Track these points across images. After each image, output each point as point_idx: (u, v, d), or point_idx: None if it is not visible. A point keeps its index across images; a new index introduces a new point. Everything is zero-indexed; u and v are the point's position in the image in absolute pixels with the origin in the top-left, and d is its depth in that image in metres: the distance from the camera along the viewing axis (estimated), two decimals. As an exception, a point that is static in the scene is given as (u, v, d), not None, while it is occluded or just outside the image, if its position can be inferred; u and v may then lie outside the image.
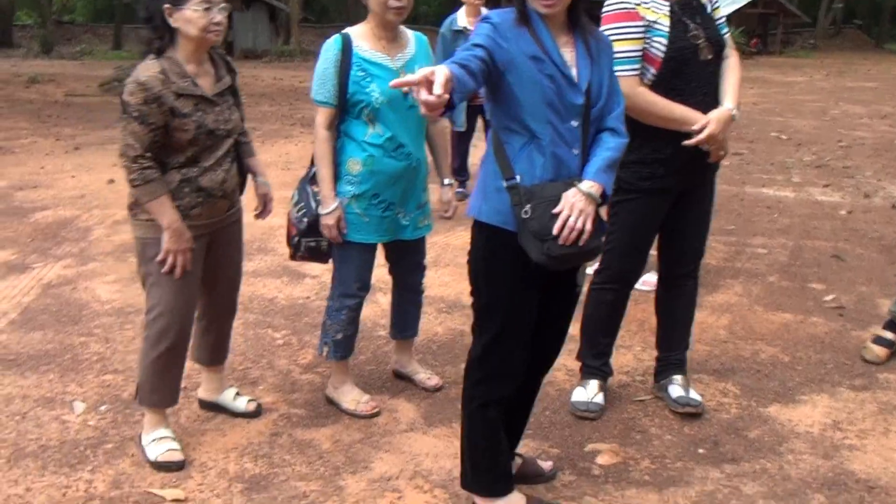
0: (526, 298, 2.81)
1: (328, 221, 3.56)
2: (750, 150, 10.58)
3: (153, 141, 3.09)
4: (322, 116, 3.57)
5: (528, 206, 2.64)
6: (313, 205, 3.60)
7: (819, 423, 3.80)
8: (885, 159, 10.22)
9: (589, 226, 2.65)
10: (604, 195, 2.72)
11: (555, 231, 2.62)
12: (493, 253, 2.80)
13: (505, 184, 2.70)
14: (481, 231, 2.82)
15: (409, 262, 3.93)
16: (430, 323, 4.82)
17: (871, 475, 3.39)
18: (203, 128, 3.18)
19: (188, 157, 3.21)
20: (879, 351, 4.42)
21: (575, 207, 2.63)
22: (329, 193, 3.56)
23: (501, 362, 2.86)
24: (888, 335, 4.46)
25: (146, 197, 3.12)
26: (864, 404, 3.98)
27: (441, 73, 2.26)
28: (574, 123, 2.71)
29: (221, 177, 3.31)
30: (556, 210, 2.63)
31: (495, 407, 2.91)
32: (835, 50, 32.35)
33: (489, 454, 2.98)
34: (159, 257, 3.19)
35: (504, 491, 3.02)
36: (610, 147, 2.76)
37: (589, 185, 2.67)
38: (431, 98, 2.22)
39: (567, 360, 4.14)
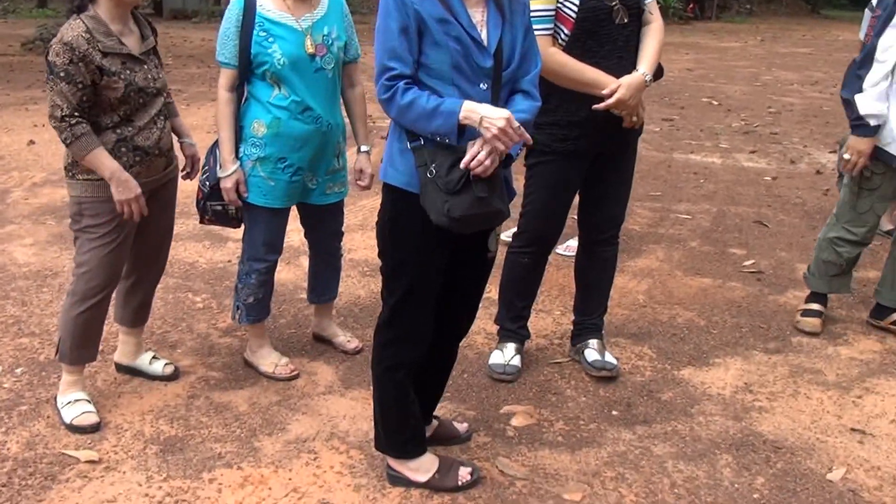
0: (432, 261, 2.80)
1: (226, 184, 3.52)
2: (681, 116, 10.68)
3: (81, 100, 3.05)
4: (223, 78, 3.52)
5: (433, 166, 2.61)
6: (217, 168, 3.57)
7: (731, 386, 3.89)
8: (813, 125, 10.38)
9: (495, 163, 2.59)
10: (509, 155, 2.70)
11: (462, 164, 2.56)
12: (399, 215, 2.78)
13: (410, 145, 2.67)
14: (388, 193, 2.81)
15: (323, 229, 3.89)
16: (354, 286, 4.82)
17: (778, 436, 3.49)
18: (133, 86, 3.15)
19: (121, 117, 3.18)
20: (814, 321, 4.48)
21: (484, 146, 2.57)
22: (228, 157, 3.51)
23: (408, 325, 2.87)
24: (814, 306, 4.54)
25: (81, 152, 3.08)
26: (776, 367, 4.08)
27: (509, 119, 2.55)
28: (483, 86, 2.68)
29: (157, 135, 3.29)
30: (472, 150, 2.58)
31: (404, 370, 2.92)
32: (770, 15, 32.60)
33: (400, 416, 3.01)
34: (118, 210, 3.16)
35: (416, 452, 3.05)
36: (521, 109, 2.72)
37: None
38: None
39: (486, 323, 4.18)
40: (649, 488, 3.11)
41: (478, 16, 2.68)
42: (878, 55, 3.99)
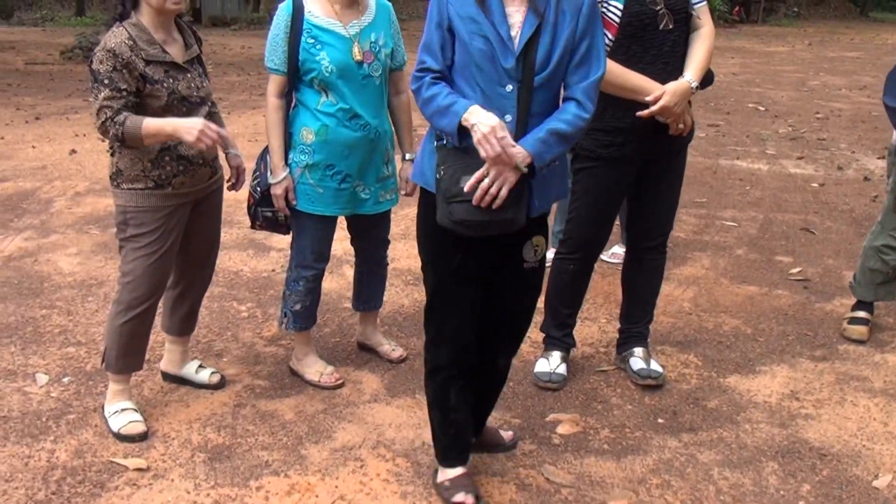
0: (451, 263, 2.78)
1: (276, 191, 3.55)
2: (726, 122, 10.60)
3: (126, 107, 3.08)
4: (273, 84, 3.53)
5: (442, 168, 2.63)
6: (268, 174, 3.60)
7: (777, 393, 3.85)
8: (861, 131, 10.26)
9: (504, 192, 2.54)
10: (532, 167, 2.59)
11: (465, 188, 2.54)
12: (422, 214, 2.81)
13: (436, 144, 2.70)
14: (420, 193, 2.85)
15: (371, 237, 3.91)
16: (397, 295, 4.84)
17: (824, 443, 3.45)
18: (176, 94, 3.18)
19: None
20: (861, 329, 4.42)
21: (492, 171, 2.54)
22: (278, 163, 3.54)
23: (438, 327, 2.89)
24: (861, 314, 4.49)
25: (136, 133, 3.06)
26: (823, 374, 4.04)
27: (498, 128, 2.51)
28: (508, 88, 2.62)
29: None
30: (477, 174, 2.55)
31: (441, 374, 2.93)
32: (818, 18, 32.34)
33: (439, 421, 3.02)
34: (200, 147, 3.11)
35: (451, 462, 3.04)
36: (561, 119, 2.63)
37: (520, 152, 2.56)
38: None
39: (531, 331, 4.15)
40: (695, 495, 3.09)
41: (518, 16, 2.62)
42: None
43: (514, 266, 2.89)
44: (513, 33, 2.62)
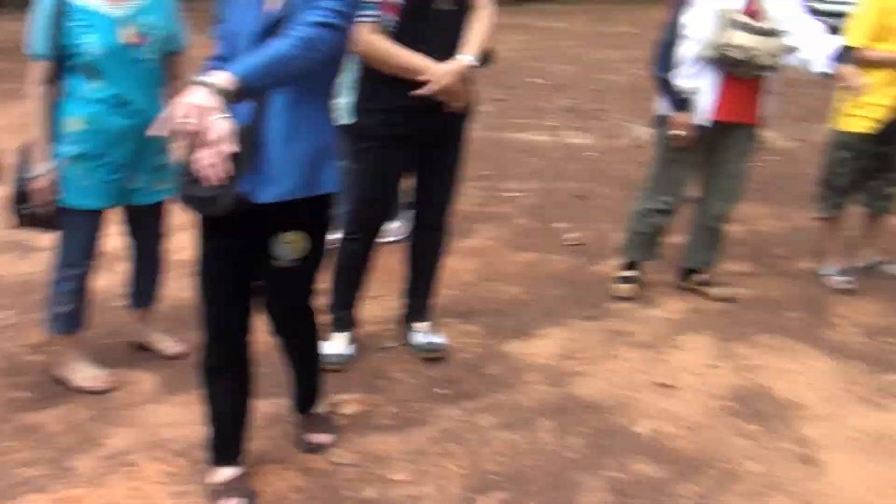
0: (206, 243, 2.77)
1: (38, 185, 3.35)
2: (510, 96, 10.81)
3: None
4: (35, 71, 3.33)
5: None
6: (30, 168, 3.39)
7: (553, 355, 3.99)
8: (633, 101, 10.67)
9: (216, 159, 2.33)
10: (239, 90, 2.34)
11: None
12: None
13: None
14: None
15: (146, 229, 3.77)
16: (177, 288, 4.66)
17: (594, 398, 3.62)
18: None
19: None
20: (629, 287, 4.65)
21: (181, 102, 2.29)
22: (41, 156, 3.35)
23: (200, 309, 2.83)
24: (628, 273, 4.72)
25: None
26: (594, 333, 4.22)
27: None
28: None
29: None
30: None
31: (206, 364, 2.88)
32: (599, -5, 33.54)
33: (205, 415, 2.96)
34: None
35: (218, 461, 2.98)
36: (269, 44, 2.44)
37: (214, 76, 2.33)
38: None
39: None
40: (472, 459, 3.18)
41: None
42: (686, 32, 4.16)
43: (264, 261, 2.82)
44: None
